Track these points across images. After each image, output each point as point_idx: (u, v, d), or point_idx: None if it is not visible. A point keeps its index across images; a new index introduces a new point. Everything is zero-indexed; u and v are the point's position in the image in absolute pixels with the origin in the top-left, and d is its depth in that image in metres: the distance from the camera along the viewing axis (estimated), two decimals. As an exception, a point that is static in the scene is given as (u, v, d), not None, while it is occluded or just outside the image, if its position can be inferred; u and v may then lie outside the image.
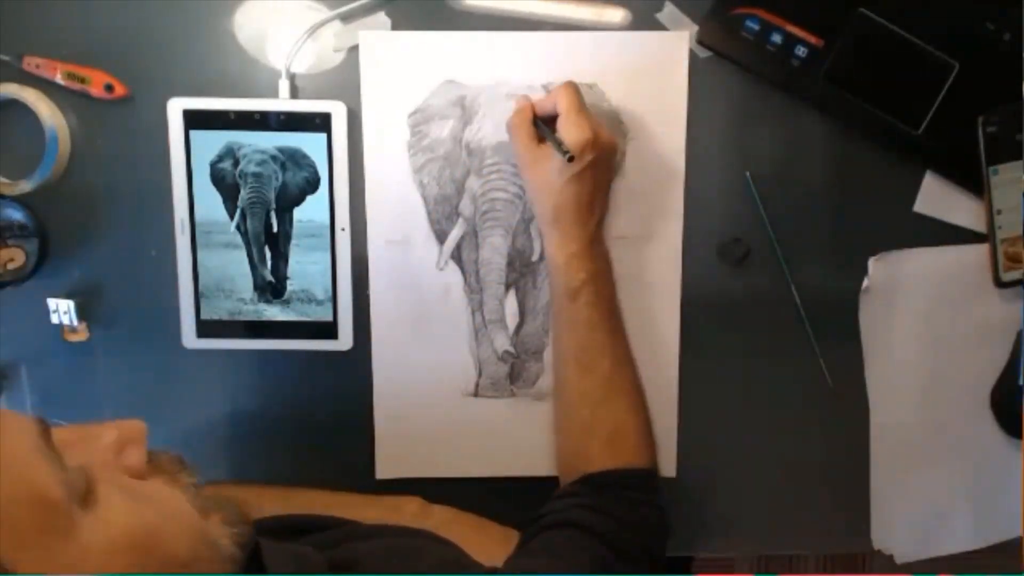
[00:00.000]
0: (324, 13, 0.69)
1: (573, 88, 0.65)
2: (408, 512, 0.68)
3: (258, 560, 0.47)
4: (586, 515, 0.61)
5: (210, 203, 0.70)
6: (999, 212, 0.71)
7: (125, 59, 0.69)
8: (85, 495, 0.38)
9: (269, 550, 0.48)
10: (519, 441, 0.75)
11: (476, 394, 0.74)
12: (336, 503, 0.68)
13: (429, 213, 0.72)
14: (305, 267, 0.72)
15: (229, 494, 0.64)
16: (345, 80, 0.70)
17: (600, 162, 0.64)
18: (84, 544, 0.36)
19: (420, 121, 0.71)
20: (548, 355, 0.73)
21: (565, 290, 0.66)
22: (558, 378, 0.70)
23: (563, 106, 0.64)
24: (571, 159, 0.62)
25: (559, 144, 0.63)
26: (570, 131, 0.63)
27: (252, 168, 0.70)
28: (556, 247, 0.66)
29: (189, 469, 0.46)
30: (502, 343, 0.73)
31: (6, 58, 0.68)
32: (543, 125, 0.66)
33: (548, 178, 0.64)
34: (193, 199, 0.70)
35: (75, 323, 0.71)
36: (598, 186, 0.66)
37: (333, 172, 0.70)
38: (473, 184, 0.71)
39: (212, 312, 0.72)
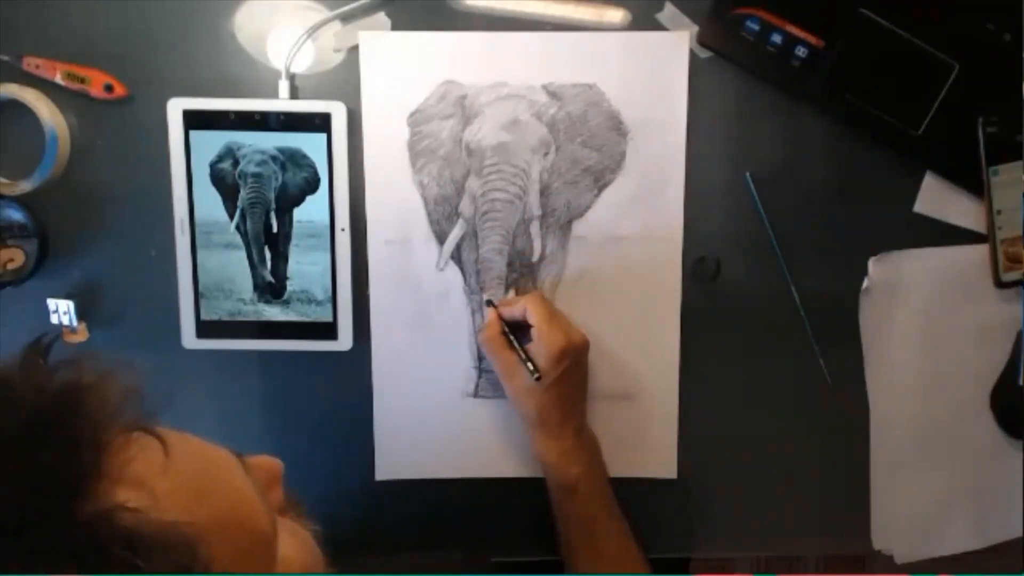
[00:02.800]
0: (324, 13, 0.69)
1: (540, 299, 0.69)
2: None
3: None
4: None
5: (210, 203, 0.70)
6: (999, 212, 0.71)
7: (125, 59, 0.69)
8: (272, 528, 0.39)
9: None
10: (519, 441, 0.75)
11: (476, 394, 0.74)
12: None
13: (429, 213, 0.72)
14: (305, 267, 0.72)
15: None
16: (345, 80, 0.70)
17: (575, 364, 0.67)
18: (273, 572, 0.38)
19: (420, 121, 0.71)
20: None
21: (561, 487, 0.68)
22: (567, 560, 0.71)
23: (534, 320, 0.67)
24: (538, 379, 0.65)
25: (527, 363, 0.66)
26: (543, 343, 0.66)
27: (252, 168, 0.70)
28: (545, 447, 0.68)
29: (308, 515, 0.47)
30: (502, 343, 0.73)
31: (6, 58, 0.68)
32: (515, 340, 0.68)
33: (527, 386, 0.67)
34: (193, 199, 0.70)
35: (75, 323, 0.71)
36: (576, 385, 0.69)
37: (333, 172, 0.70)
38: (473, 184, 0.71)
39: (212, 312, 0.72)
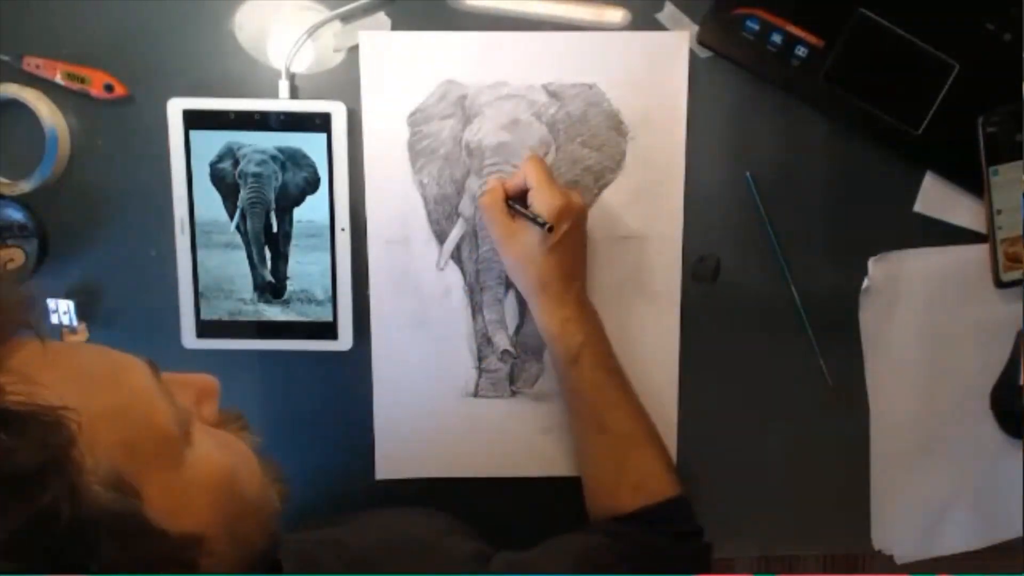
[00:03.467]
0: (324, 13, 0.69)
1: (539, 160, 0.67)
2: None
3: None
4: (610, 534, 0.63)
5: (210, 203, 0.70)
6: (999, 212, 0.71)
7: (125, 59, 0.69)
8: (186, 433, 0.41)
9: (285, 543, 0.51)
10: (519, 441, 0.75)
11: (476, 394, 0.74)
12: None
13: (429, 213, 0.72)
14: (305, 267, 0.72)
15: None
16: (345, 80, 0.70)
17: (576, 227, 0.66)
18: (187, 478, 0.40)
19: (420, 121, 0.71)
20: (548, 356, 0.73)
21: (565, 356, 0.67)
22: (576, 436, 0.71)
23: (533, 180, 0.65)
24: (550, 229, 0.63)
25: (535, 217, 0.64)
26: (544, 202, 0.64)
27: (252, 168, 0.70)
28: (548, 315, 0.67)
29: (251, 428, 0.49)
30: (502, 343, 0.73)
31: (6, 58, 0.68)
32: (515, 203, 0.67)
33: (528, 251, 0.65)
34: (193, 199, 0.70)
35: (75, 323, 0.71)
36: (577, 250, 0.67)
37: (333, 172, 0.70)
38: (473, 184, 0.71)
39: (212, 312, 0.72)
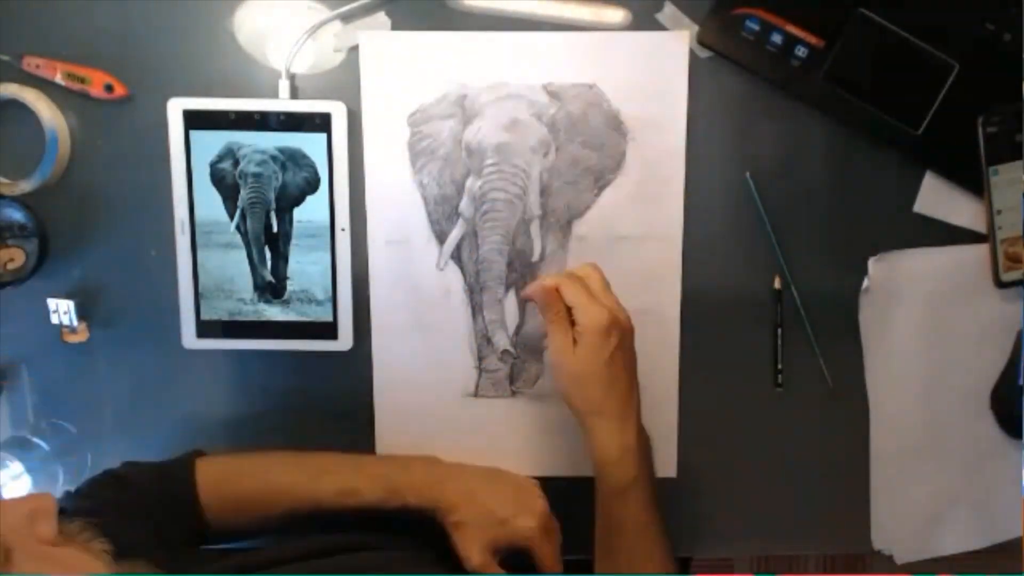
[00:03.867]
0: (324, 13, 0.69)
1: (585, 275, 0.63)
2: (418, 465, 0.68)
3: None
4: None
5: (210, 203, 0.70)
6: (999, 212, 0.71)
7: (125, 59, 0.69)
8: (4, 558, 0.41)
9: None
10: (519, 441, 0.75)
11: (476, 394, 0.74)
12: (348, 463, 0.68)
13: (429, 213, 0.72)
14: (305, 267, 0.72)
15: (233, 466, 0.67)
16: (345, 80, 0.70)
17: (624, 345, 0.62)
18: None
19: (420, 121, 0.71)
20: (548, 356, 0.73)
21: (615, 488, 0.62)
22: (601, 562, 0.65)
23: (572, 300, 0.61)
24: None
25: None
26: (586, 318, 0.60)
27: (252, 168, 0.70)
28: (607, 441, 0.62)
29: (101, 537, 0.48)
30: (502, 343, 0.73)
31: (6, 58, 0.68)
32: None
33: (589, 366, 0.61)
34: (193, 199, 0.70)
35: (75, 323, 0.71)
36: (631, 369, 0.63)
37: (333, 172, 0.70)
38: (473, 184, 0.71)
39: (212, 312, 0.72)
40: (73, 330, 0.72)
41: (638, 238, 0.72)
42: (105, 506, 0.60)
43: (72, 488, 0.64)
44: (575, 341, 0.61)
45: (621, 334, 0.61)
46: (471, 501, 0.66)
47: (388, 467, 0.68)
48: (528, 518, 0.66)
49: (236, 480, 0.67)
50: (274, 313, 0.72)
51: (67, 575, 0.44)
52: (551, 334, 0.62)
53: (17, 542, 0.43)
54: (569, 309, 0.62)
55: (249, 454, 0.71)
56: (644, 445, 0.64)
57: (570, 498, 0.69)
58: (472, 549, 0.64)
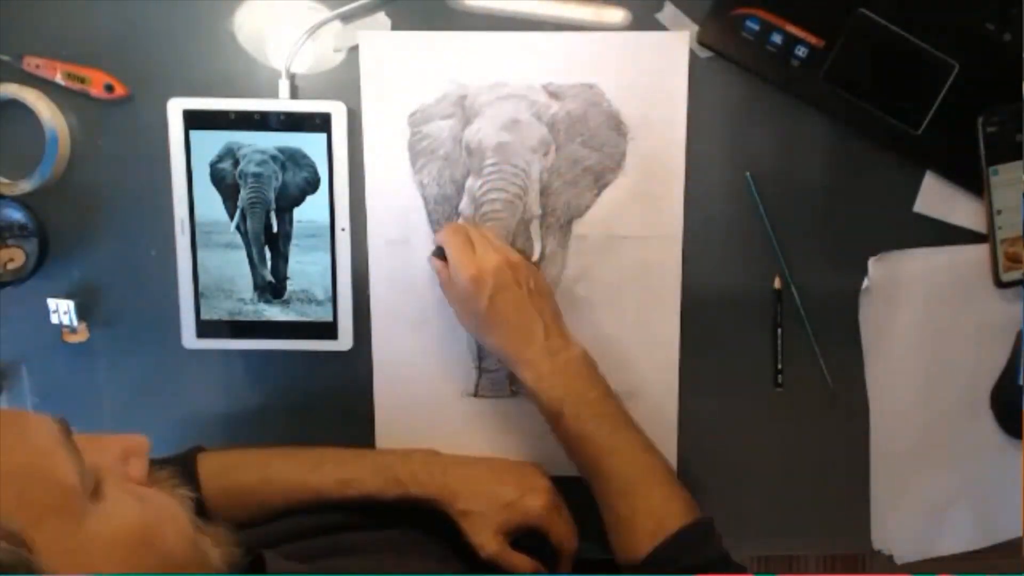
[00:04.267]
0: (324, 13, 0.69)
1: (453, 231, 0.68)
2: (420, 455, 0.69)
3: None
4: None
5: (210, 203, 0.70)
6: (999, 212, 0.71)
7: (125, 59, 0.69)
8: (96, 489, 0.42)
9: (273, 562, 0.51)
10: (519, 441, 0.75)
11: (476, 394, 0.74)
12: (349, 454, 0.69)
13: (429, 213, 0.72)
14: (305, 267, 0.72)
15: (234, 459, 0.68)
16: (345, 80, 0.70)
17: (504, 288, 0.65)
18: (91, 532, 0.40)
19: (420, 121, 0.71)
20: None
21: (547, 413, 0.66)
22: (585, 480, 0.67)
23: (449, 253, 0.67)
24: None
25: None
26: (457, 274, 0.66)
27: (252, 168, 0.70)
28: (520, 378, 0.66)
29: (187, 486, 0.49)
30: (502, 343, 0.73)
31: (6, 58, 0.68)
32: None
33: (474, 321, 0.66)
34: (193, 199, 0.70)
35: (75, 323, 0.71)
36: (522, 307, 0.66)
37: (333, 172, 0.70)
38: (473, 184, 0.71)
39: (212, 312, 0.72)
40: (73, 330, 0.72)
41: (638, 238, 0.72)
42: None
43: None
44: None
45: (495, 279, 0.65)
46: (474, 487, 0.66)
47: (389, 457, 0.69)
48: (534, 497, 0.66)
49: (237, 472, 0.67)
50: (274, 313, 0.72)
51: (153, 512, 0.45)
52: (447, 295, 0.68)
53: (109, 476, 0.44)
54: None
55: (249, 448, 0.71)
56: (566, 365, 0.65)
57: (570, 497, 0.69)
58: (484, 536, 0.64)
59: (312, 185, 0.71)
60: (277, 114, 0.69)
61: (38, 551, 0.37)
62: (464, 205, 0.71)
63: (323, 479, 0.66)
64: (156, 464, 0.48)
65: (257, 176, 0.70)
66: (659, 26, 0.70)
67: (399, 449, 0.72)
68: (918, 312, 0.74)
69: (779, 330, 0.74)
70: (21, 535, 0.37)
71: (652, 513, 0.63)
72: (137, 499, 0.44)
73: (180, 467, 0.66)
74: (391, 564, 0.60)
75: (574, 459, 0.66)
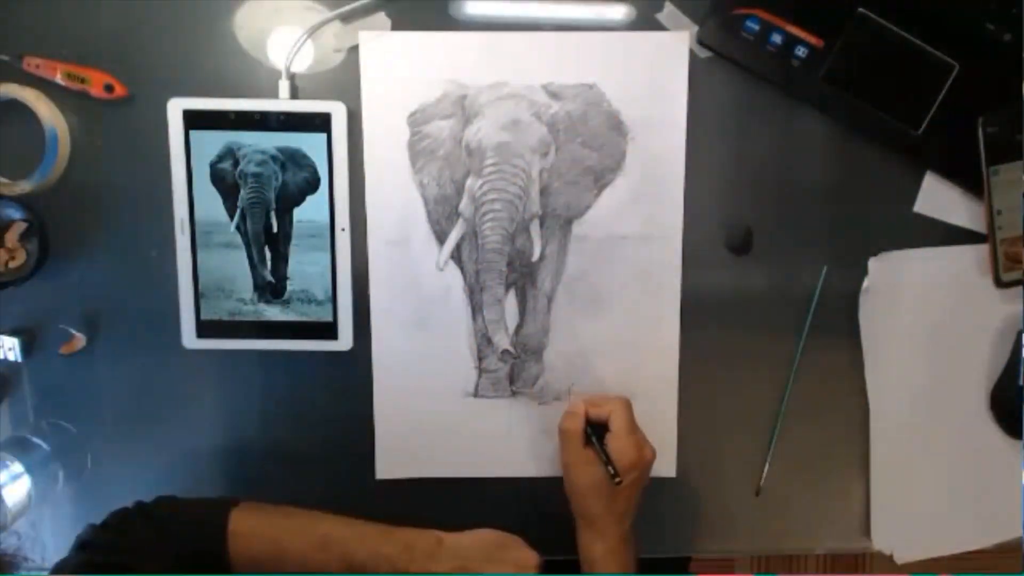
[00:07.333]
0: (324, 13, 0.69)
1: (627, 406, 0.68)
2: (421, 549, 0.67)
3: None
4: None
5: (210, 203, 0.70)
6: (999, 212, 0.71)
7: (125, 59, 0.69)
8: None
9: None
10: (519, 441, 0.75)
11: (476, 394, 0.74)
12: (353, 536, 0.67)
13: (429, 213, 0.72)
14: (305, 267, 0.72)
15: (263, 524, 0.65)
16: (345, 80, 0.70)
17: (640, 478, 0.67)
18: None
19: (420, 121, 0.71)
20: (548, 355, 0.73)
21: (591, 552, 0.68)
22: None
23: (616, 425, 0.67)
24: (619, 482, 0.66)
25: (609, 465, 0.66)
26: (621, 451, 0.66)
27: (252, 168, 0.70)
28: (591, 544, 0.68)
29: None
30: (502, 343, 0.73)
31: (6, 58, 0.68)
32: (596, 439, 0.68)
33: (594, 482, 0.67)
34: (193, 199, 0.70)
35: (20, 358, 0.71)
36: (634, 493, 0.68)
37: (333, 172, 0.70)
38: (473, 184, 0.71)
39: (212, 312, 0.72)
40: (69, 338, 0.72)
41: (638, 238, 0.72)
42: (130, 545, 0.60)
43: (91, 519, 0.62)
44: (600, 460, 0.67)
45: (642, 470, 0.67)
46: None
47: (393, 548, 0.67)
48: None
49: (260, 541, 0.65)
50: (274, 313, 0.72)
51: None
52: (572, 452, 0.68)
53: None
54: (593, 425, 0.68)
55: (276, 513, 0.67)
56: (628, 548, 0.68)
57: (567, 499, 0.69)
58: None
59: (312, 185, 0.71)
60: (277, 114, 0.69)
61: None
62: (464, 205, 0.71)
63: (330, 560, 0.65)
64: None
65: (257, 176, 0.70)
66: (659, 26, 0.70)
67: (402, 533, 0.68)
68: (918, 312, 0.74)
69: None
70: None
71: None
72: None
73: (211, 520, 0.64)
74: None
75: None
